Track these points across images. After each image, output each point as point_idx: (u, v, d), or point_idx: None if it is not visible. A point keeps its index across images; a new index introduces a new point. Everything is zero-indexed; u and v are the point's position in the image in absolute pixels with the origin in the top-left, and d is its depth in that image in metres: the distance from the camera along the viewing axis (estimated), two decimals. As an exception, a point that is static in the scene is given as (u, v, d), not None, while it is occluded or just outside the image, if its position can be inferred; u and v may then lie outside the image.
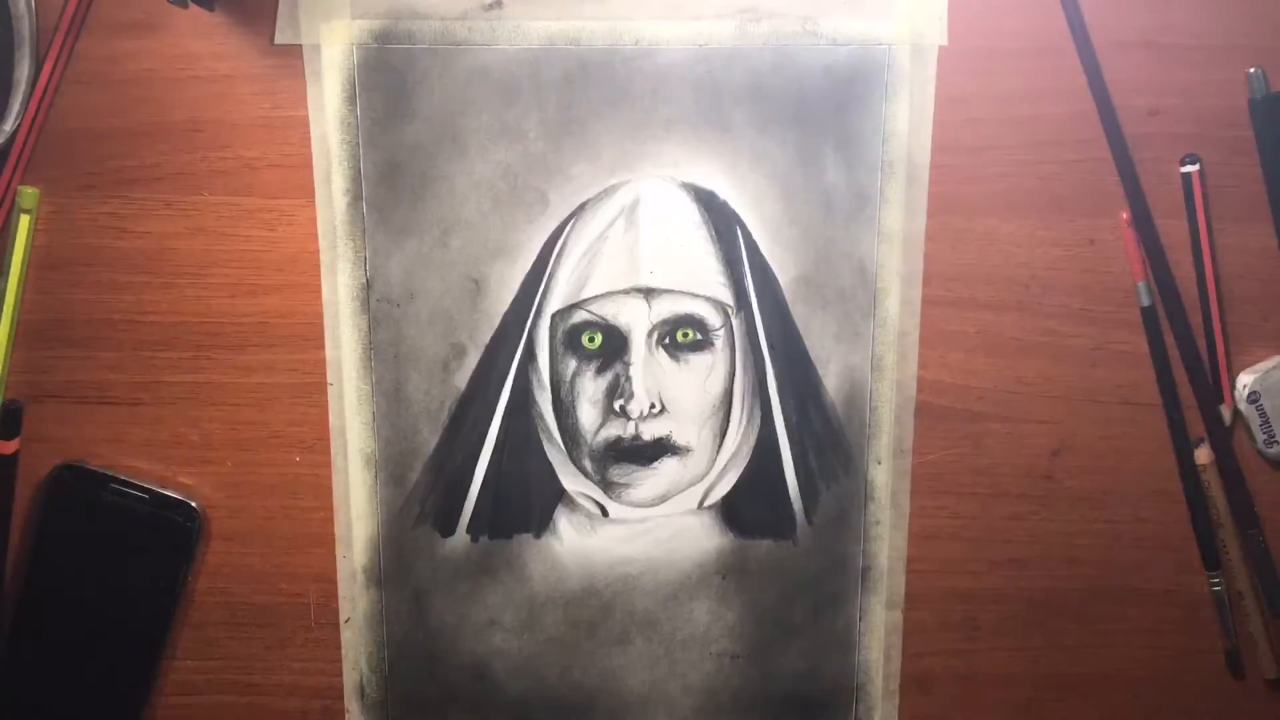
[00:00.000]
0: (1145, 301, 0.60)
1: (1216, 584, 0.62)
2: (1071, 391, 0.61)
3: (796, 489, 0.62)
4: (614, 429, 0.61)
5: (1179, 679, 0.64)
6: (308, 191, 0.59)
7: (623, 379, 0.60)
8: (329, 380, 0.61)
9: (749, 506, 0.62)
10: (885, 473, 0.62)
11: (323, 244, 0.60)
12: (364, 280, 0.60)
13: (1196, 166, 0.58)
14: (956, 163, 0.59)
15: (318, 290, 0.60)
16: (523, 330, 0.60)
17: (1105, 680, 0.64)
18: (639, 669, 0.64)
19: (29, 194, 0.59)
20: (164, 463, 0.62)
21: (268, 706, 0.65)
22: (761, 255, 0.60)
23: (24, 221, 0.59)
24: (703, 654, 0.64)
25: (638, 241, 0.59)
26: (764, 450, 0.62)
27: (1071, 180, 0.59)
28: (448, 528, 0.63)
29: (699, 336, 0.60)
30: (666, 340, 0.60)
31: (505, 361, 0.61)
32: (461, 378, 0.61)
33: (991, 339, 0.61)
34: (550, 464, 0.62)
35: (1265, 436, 0.60)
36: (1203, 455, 0.61)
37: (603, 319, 0.60)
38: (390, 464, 0.62)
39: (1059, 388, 0.61)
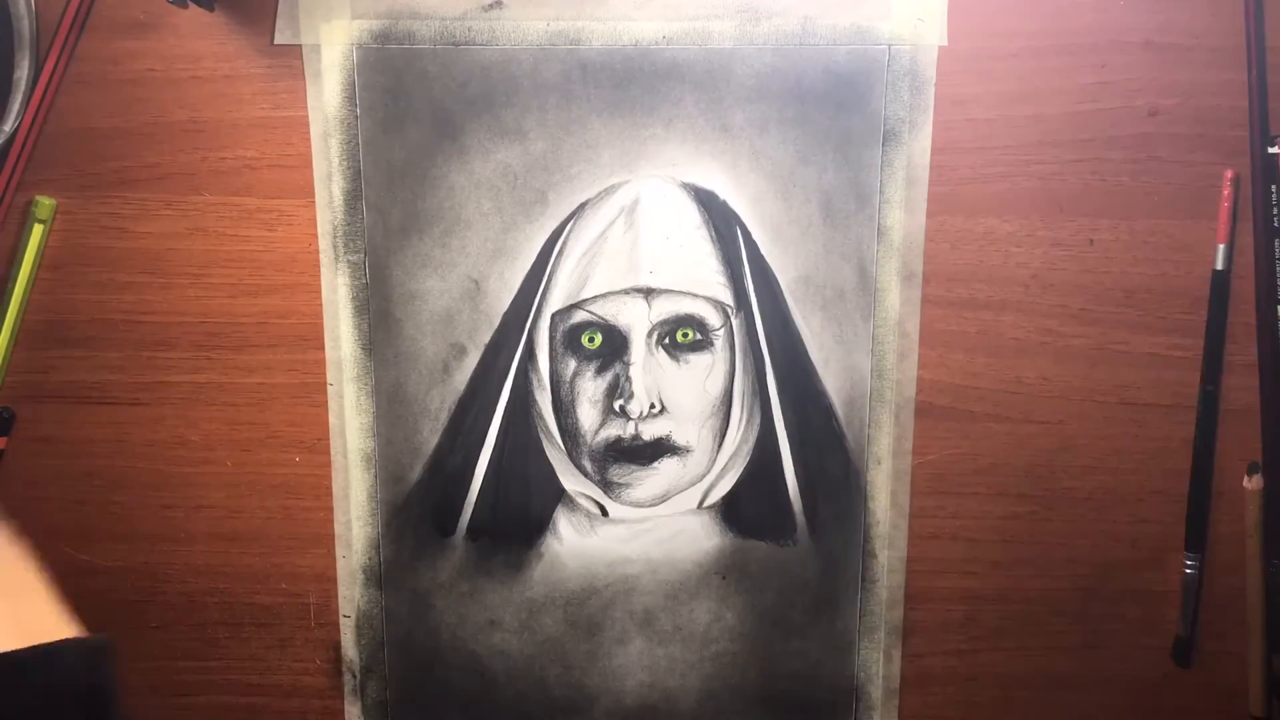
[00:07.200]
0: (1221, 265, 0.59)
1: (1191, 566, 0.62)
2: (1071, 391, 0.61)
3: (796, 489, 0.62)
4: (614, 429, 0.61)
5: (1178, 678, 0.65)
6: (308, 191, 0.59)
7: (622, 379, 0.60)
8: (329, 380, 0.61)
9: (749, 506, 0.62)
10: (885, 473, 0.62)
11: (323, 244, 0.60)
12: (364, 280, 0.60)
13: None
14: (956, 163, 0.59)
15: (318, 290, 0.60)
16: (523, 330, 0.60)
17: (1105, 680, 0.64)
18: (639, 669, 0.64)
19: (45, 204, 0.59)
20: (164, 462, 0.62)
21: (268, 706, 0.65)
22: (761, 255, 0.60)
23: (37, 230, 0.59)
24: (703, 654, 0.64)
25: (637, 241, 0.59)
26: (764, 450, 0.62)
27: (1071, 180, 0.59)
28: (448, 528, 0.63)
29: (699, 336, 0.60)
30: (666, 340, 0.60)
31: (505, 361, 0.61)
32: (461, 378, 0.61)
33: (991, 339, 0.61)
34: (550, 464, 0.62)
35: None
36: (1253, 483, 0.60)
37: (602, 319, 0.60)
38: (390, 464, 0.62)
39: (1059, 388, 0.61)
